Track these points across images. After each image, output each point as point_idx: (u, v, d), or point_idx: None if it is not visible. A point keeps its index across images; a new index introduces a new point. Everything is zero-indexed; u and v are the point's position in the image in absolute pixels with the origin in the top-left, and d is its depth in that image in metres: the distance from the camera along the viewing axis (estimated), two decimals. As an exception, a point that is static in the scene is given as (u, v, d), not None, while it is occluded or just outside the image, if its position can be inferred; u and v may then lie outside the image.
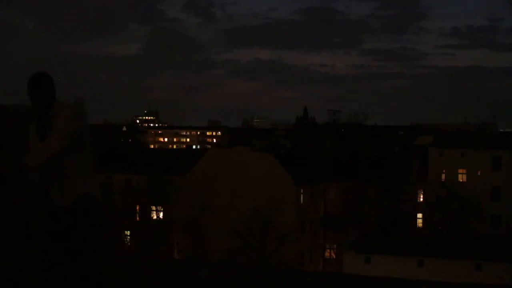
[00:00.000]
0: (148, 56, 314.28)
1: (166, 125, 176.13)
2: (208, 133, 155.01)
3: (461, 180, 56.51)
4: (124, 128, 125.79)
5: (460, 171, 57.04)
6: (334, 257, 52.02)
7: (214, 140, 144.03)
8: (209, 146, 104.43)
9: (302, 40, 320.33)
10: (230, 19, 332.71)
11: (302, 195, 51.07)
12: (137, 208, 46.58)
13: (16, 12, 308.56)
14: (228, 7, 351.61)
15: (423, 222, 55.17)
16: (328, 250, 54.49)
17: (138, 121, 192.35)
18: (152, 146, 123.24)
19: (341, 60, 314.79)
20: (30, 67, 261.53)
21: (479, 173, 56.23)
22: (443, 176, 56.37)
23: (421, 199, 55.64)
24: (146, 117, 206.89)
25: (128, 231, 47.57)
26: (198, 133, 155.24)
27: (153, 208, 50.26)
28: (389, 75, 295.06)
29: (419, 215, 55.54)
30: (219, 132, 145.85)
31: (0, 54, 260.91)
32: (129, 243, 46.96)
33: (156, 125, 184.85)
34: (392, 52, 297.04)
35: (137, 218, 45.88)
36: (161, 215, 49.86)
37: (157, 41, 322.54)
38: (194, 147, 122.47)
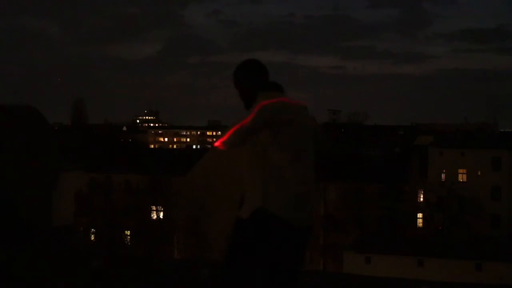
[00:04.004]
0: (164, 59, 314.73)
1: (166, 125, 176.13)
2: (208, 133, 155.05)
3: (461, 180, 56.50)
4: (124, 128, 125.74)
5: (460, 171, 57.03)
6: (334, 257, 52.05)
7: (214, 140, 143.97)
8: (209, 146, 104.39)
9: (312, 43, 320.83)
10: (249, 23, 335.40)
11: (302, 195, 50.99)
12: (137, 208, 46.60)
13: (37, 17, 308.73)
14: (247, 12, 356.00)
15: (423, 222, 55.19)
16: (328, 250, 54.51)
17: (138, 121, 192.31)
18: (152, 146, 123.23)
19: (347, 62, 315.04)
20: (38, 68, 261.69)
21: (479, 173, 56.22)
22: (443, 176, 56.36)
23: (421, 199, 55.65)
24: (146, 117, 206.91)
25: (128, 231, 47.61)
26: (198, 133, 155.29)
27: (153, 208, 50.30)
28: (396, 78, 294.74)
29: (419, 215, 55.55)
30: (219, 132, 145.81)
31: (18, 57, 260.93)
32: (129, 243, 47.00)
33: (156, 125, 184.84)
34: (401, 55, 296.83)
35: (137, 218, 45.89)
36: (161, 215, 49.89)
37: (175, 44, 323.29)
38: (194, 147, 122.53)
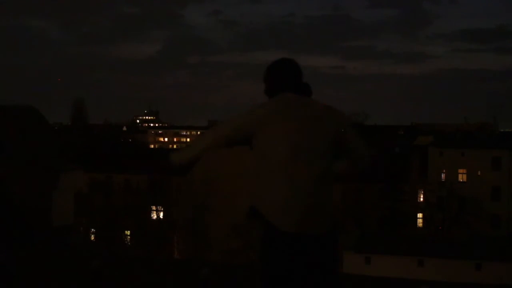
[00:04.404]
0: (164, 59, 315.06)
1: (166, 125, 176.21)
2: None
3: (461, 180, 56.49)
4: (124, 128, 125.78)
5: (460, 171, 57.02)
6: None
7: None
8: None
9: (312, 43, 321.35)
10: (249, 23, 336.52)
11: (302, 195, 50.92)
12: (137, 208, 46.58)
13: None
14: (247, 12, 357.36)
15: (423, 222, 55.18)
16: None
17: (138, 121, 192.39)
18: (152, 146, 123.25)
19: (347, 62, 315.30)
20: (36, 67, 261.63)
21: (479, 173, 56.20)
22: (443, 176, 56.36)
23: (421, 199, 55.65)
24: (146, 117, 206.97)
25: (128, 231, 47.58)
26: (198, 133, 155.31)
27: (153, 208, 50.27)
28: (396, 78, 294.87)
29: (419, 215, 55.54)
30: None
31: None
32: (129, 243, 46.96)
33: (156, 125, 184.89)
34: (401, 55, 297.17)
35: (137, 218, 45.86)
36: (161, 215, 49.87)
37: (175, 44, 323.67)
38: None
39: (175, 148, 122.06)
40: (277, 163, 3.39)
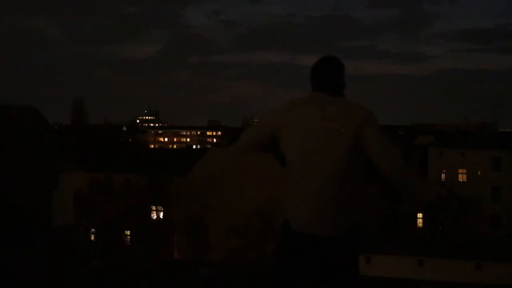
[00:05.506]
0: (164, 59, 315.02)
1: (166, 125, 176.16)
2: (208, 133, 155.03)
3: (461, 180, 56.48)
4: (124, 128, 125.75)
5: (460, 171, 57.02)
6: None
7: (214, 140, 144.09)
8: (209, 146, 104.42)
9: (314, 44, 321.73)
10: (249, 23, 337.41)
11: (302, 195, 50.85)
12: (137, 208, 46.55)
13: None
14: (247, 12, 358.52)
15: (423, 222, 55.17)
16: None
17: (138, 121, 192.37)
18: (152, 146, 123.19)
19: (347, 62, 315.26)
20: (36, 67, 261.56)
21: (479, 173, 56.20)
22: (443, 176, 56.35)
23: (421, 199, 55.60)
24: (146, 117, 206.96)
25: (128, 231, 47.56)
26: (198, 133, 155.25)
27: (153, 208, 50.24)
28: (396, 78, 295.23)
29: (419, 215, 55.52)
30: (219, 132, 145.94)
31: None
32: (129, 243, 46.94)
33: (156, 125, 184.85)
34: (401, 55, 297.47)
35: (137, 218, 45.83)
36: (161, 215, 49.84)
37: (175, 44, 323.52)
38: (194, 147, 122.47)
39: (175, 148, 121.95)
40: (291, 165, 3.46)
